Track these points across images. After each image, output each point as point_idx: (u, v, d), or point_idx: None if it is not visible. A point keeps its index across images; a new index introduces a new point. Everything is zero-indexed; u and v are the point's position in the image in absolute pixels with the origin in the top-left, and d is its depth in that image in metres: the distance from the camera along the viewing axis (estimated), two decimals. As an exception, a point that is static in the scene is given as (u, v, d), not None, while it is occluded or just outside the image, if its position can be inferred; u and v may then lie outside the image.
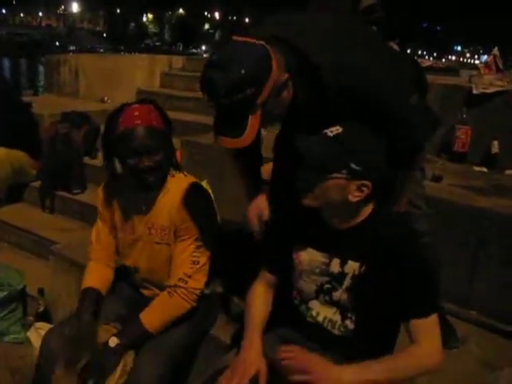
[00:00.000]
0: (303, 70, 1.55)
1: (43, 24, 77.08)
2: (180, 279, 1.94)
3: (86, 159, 4.40)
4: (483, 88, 3.51)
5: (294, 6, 2.16)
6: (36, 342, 2.69)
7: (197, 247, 1.96)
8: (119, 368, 1.84)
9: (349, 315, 1.64)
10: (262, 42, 1.51)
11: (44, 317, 2.91)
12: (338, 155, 1.48)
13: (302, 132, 1.55)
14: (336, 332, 1.67)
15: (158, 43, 74.10)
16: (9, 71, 32.37)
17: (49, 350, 1.98)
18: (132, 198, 2.05)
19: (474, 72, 3.84)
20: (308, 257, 1.69)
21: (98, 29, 78.45)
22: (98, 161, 4.44)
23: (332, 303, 1.66)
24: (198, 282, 1.96)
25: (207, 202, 2.08)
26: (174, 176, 2.03)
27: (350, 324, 1.65)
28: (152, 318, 1.93)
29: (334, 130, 1.50)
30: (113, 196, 2.12)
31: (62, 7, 76.07)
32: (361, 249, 1.59)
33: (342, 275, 1.62)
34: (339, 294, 1.64)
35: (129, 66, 6.31)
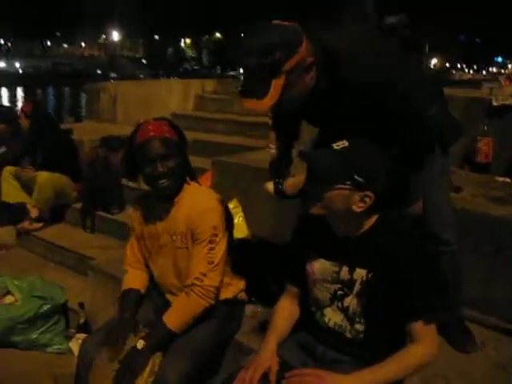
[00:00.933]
0: (327, 62, 1.71)
1: (85, 54, 79.63)
2: (196, 278, 2.11)
3: (124, 181, 4.63)
4: (503, 100, 3.58)
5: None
6: (77, 351, 2.87)
7: (211, 249, 2.13)
8: (148, 368, 1.99)
9: (357, 319, 1.76)
10: (298, 25, 1.68)
11: (84, 328, 3.09)
12: (343, 167, 1.62)
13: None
14: (348, 335, 1.79)
15: (196, 67, 75.31)
16: (53, 100, 33.64)
17: (86, 352, 2.16)
18: (154, 208, 2.25)
19: (495, 84, 3.91)
20: (320, 266, 1.82)
21: (137, 56, 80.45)
22: (135, 184, 4.68)
23: (342, 310, 1.79)
24: (213, 280, 2.13)
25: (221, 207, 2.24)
26: (189, 184, 2.24)
27: (360, 327, 1.76)
28: (173, 317, 2.09)
29: (341, 144, 1.64)
30: (141, 210, 2.31)
31: (103, 36, 78.35)
32: (367, 256, 1.70)
33: (352, 282, 1.74)
34: (350, 300, 1.76)
35: (163, 90, 6.59)
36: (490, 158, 3.63)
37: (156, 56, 72.84)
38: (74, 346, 3.01)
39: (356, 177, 1.60)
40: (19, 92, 37.10)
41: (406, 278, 1.64)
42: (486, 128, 3.62)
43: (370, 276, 1.70)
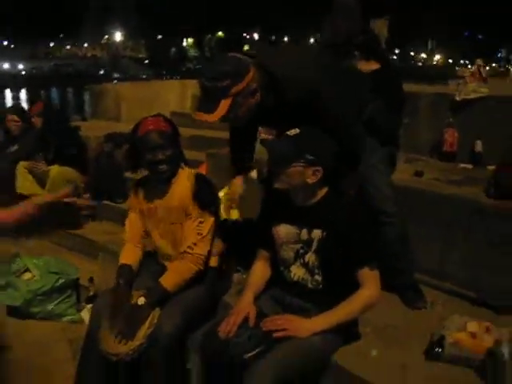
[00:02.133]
0: (271, 84, 2.15)
1: (88, 54, 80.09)
2: (188, 247, 2.55)
3: (128, 174, 5.07)
4: (465, 94, 3.99)
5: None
6: (87, 319, 3.30)
7: (200, 222, 2.58)
8: (148, 321, 2.42)
9: (316, 271, 2.19)
10: (248, 58, 2.13)
11: (94, 300, 3.51)
12: (297, 149, 2.06)
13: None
14: (310, 286, 2.23)
15: (198, 66, 75.28)
16: (57, 100, 34.13)
17: (96, 312, 2.60)
18: (153, 190, 2.69)
19: (461, 81, 4.33)
20: (284, 230, 2.26)
21: (140, 56, 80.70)
22: (138, 175, 5.12)
23: (304, 265, 2.22)
24: (202, 249, 2.57)
25: (207, 189, 2.67)
26: (183, 169, 2.68)
27: (319, 278, 2.20)
28: (169, 279, 2.53)
29: (293, 132, 2.09)
30: (140, 191, 2.75)
31: (106, 37, 78.76)
32: (321, 219, 2.15)
33: (310, 241, 2.18)
34: (309, 256, 2.20)
35: (163, 90, 7.02)
36: (454, 147, 4.04)
37: (159, 56, 73.08)
38: (85, 314, 3.43)
39: (307, 155, 2.03)
40: (23, 93, 37.57)
41: (350, 236, 2.08)
42: (451, 120, 4.03)
43: (324, 235, 2.14)
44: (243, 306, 2.21)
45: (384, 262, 2.78)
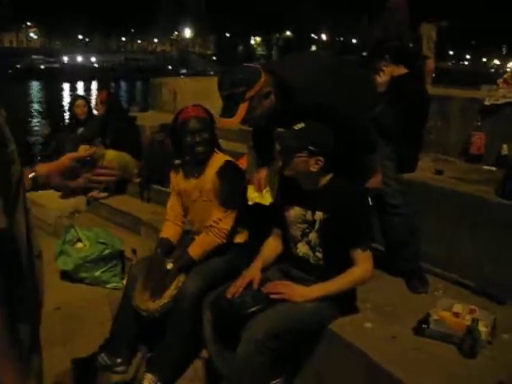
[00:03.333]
0: (283, 91, 2.46)
1: (158, 49, 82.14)
2: (214, 221, 2.91)
3: (177, 161, 5.48)
4: (494, 100, 4.16)
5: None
6: (129, 286, 3.72)
7: (225, 201, 2.92)
8: (174, 283, 2.81)
9: (317, 249, 2.50)
10: (259, 66, 2.45)
11: (135, 270, 3.93)
12: (301, 141, 2.38)
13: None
14: (312, 261, 2.54)
15: (264, 64, 75.14)
16: (126, 93, 35.42)
17: (132, 275, 3.01)
18: (190, 172, 3.05)
19: (494, 86, 4.49)
20: (293, 212, 2.58)
21: (208, 52, 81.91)
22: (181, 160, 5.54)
23: (307, 243, 2.53)
24: (226, 224, 2.92)
25: (235, 173, 3.03)
26: (217, 153, 3.06)
27: (319, 255, 2.51)
28: (195, 249, 2.90)
29: (299, 125, 2.42)
30: (179, 173, 3.13)
31: (176, 33, 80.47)
32: (324, 202, 2.46)
33: (314, 221, 2.49)
34: (312, 235, 2.51)
35: (216, 85, 7.38)
36: (481, 150, 4.21)
37: (226, 53, 73.98)
38: (127, 282, 3.85)
39: (310, 147, 2.35)
40: (94, 85, 39.15)
41: (347, 219, 2.37)
42: (479, 124, 4.21)
43: (325, 217, 2.44)
44: (250, 272, 2.57)
45: (392, 249, 3.08)
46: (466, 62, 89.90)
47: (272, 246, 2.74)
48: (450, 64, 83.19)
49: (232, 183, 2.98)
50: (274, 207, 2.86)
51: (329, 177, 2.48)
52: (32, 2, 52.89)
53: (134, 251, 3.97)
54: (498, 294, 3.00)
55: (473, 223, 3.21)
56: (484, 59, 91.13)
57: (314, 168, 2.40)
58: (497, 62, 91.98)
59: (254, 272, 2.57)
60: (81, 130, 5.80)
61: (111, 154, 5.11)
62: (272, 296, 2.40)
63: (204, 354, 2.86)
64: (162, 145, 5.45)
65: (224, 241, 2.94)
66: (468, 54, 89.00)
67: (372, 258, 2.42)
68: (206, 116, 3.00)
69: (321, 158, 2.38)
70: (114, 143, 5.32)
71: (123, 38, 79.77)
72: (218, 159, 3.04)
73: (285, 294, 2.39)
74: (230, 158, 3.14)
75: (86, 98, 6.18)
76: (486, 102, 4.19)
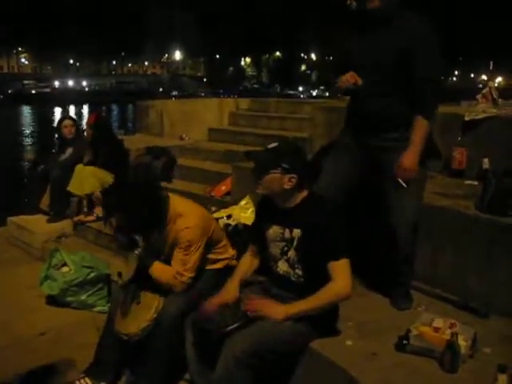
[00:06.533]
0: None
1: (149, 72, 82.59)
2: (176, 273, 2.89)
3: (164, 183, 5.51)
4: (474, 115, 4.21)
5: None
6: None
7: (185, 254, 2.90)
8: (154, 306, 2.83)
9: (296, 266, 2.52)
10: None
11: (121, 293, 3.92)
12: (274, 159, 2.42)
13: None
14: (292, 279, 2.55)
15: (256, 85, 75.65)
16: (117, 115, 35.59)
17: (115, 299, 3.06)
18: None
19: (473, 102, 4.55)
20: (272, 230, 2.61)
21: (198, 74, 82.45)
22: (173, 185, 5.57)
23: (287, 260, 2.55)
24: (187, 278, 2.88)
25: None
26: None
27: (299, 272, 2.52)
28: (156, 269, 2.95)
29: (272, 144, 2.46)
30: None
31: (166, 55, 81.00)
32: (300, 220, 2.48)
33: (292, 239, 2.51)
34: (291, 252, 2.53)
35: (202, 108, 7.47)
36: (463, 165, 4.25)
37: (217, 74, 74.41)
38: (113, 305, 3.84)
39: (283, 164, 2.38)
40: (85, 109, 39.30)
41: (323, 234, 2.39)
42: (459, 139, 4.25)
43: (302, 233, 2.46)
44: (227, 289, 2.63)
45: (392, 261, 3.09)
46: (455, 78, 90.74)
47: (248, 262, 2.79)
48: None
49: None
50: (254, 226, 2.88)
51: (304, 194, 2.51)
52: (23, 27, 53.18)
53: (120, 274, 3.95)
54: (481, 307, 3.01)
55: (454, 237, 3.24)
56: (472, 75, 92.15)
57: (287, 186, 2.43)
58: (484, 77, 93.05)
59: (231, 289, 2.62)
60: (69, 150, 5.81)
61: (89, 170, 5.24)
62: (249, 314, 2.40)
63: (187, 375, 2.85)
64: (147, 167, 5.49)
65: (185, 287, 2.90)
66: (456, 70, 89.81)
67: (349, 271, 2.42)
68: None
69: (294, 176, 2.41)
70: (105, 166, 5.34)
71: (114, 62, 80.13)
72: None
73: (262, 311, 2.40)
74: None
75: (73, 118, 6.22)
76: (466, 118, 4.23)
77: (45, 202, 5.73)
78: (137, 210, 2.80)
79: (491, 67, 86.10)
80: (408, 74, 2.82)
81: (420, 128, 2.88)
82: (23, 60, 75.33)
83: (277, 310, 2.40)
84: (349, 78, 2.90)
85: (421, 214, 3.14)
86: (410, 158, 2.89)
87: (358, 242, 2.70)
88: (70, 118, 6.23)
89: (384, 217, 3.08)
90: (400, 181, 2.92)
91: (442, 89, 3.06)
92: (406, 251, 3.12)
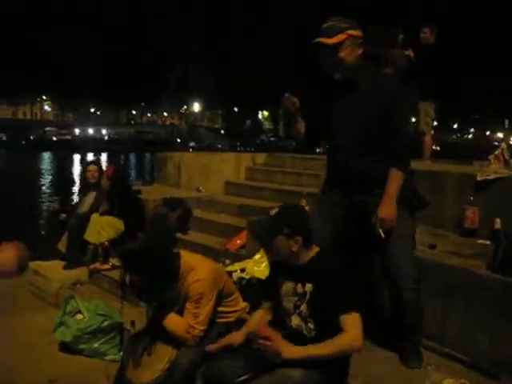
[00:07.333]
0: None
1: (167, 122, 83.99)
2: (188, 327, 2.96)
3: (179, 235, 5.61)
4: (486, 175, 4.28)
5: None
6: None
7: (196, 307, 2.99)
8: (167, 357, 2.87)
9: (308, 320, 2.56)
10: None
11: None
12: (276, 225, 2.55)
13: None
14: (305, 332, 2.60)
15: (272, 139, 76.00)
16: (134, 164, 36.13)
17: (128, 348, 3.07)
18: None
19: (486, 162, 4.63)
20: (285, 286, 2.68)
21: (216, 126, 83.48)
22: (188, 236, 5.66)
23: (299, 314, 2.60)
24: (199, 331, 2.95)
25: None
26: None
27: (311, 326, 2.57)
28: (170, 321, 3.02)
29: (274, 210, 2.59)
30: None
31: (185, 107, 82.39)
32: (312, 275, 2.56)
33: (304, 293, 2.58)
34: (303, 306, 2.59)
35: (220, 162, 7.63)
36: (475, 224, 4.30)
37: (234, 127, 75.19)
38: (125, 355, 3.87)
39: (285, 229, 2.52)
40: (103, 157, 39.96)
41: (334, 288, 2.47)
42: (472, 198, 4.31)
43: (314, 288, 2.53)
44: (235, 337, 2.77)
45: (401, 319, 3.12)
46: (471, 136, 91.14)
47: (260, 317, 2.86)
48: (454, 137, 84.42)
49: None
50: (268, 283, 2.95)
51: (315, 250, 2.62)
52: (47, 77, 54.84)
53: (133, 323, 4.00)
54: (492, 368, 3.01)
55: (464, 297, 3.26)
56: (487, 132, 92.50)
57: (294, 248, 2.56)
58: (500, 135, 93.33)
59: (237, 335, 2.75)
60: (92, 193, 6.11)
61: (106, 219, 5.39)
62: (259, 341, 2.44)
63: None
64: (163, 218, 5.59)
65: (197, 340, 2.95)
66: (472, 128, 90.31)
67: (360, 324, 2.45)
68: None
69: (298, 238, 2.54)
70: (120, 216, 5.48)
71: (133, 111, 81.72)
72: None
73: (271, 346, 2.43)
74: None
75: (99, 164, 6.58)
76: (479, 178, 4.31)
77: (63, 243, 5.91)
78: (149, 275, 2.93)
79: (506, 125, 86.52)
80: (381, 131, 2.98)
81: (394, 179, 3.00)
82: (46, 107, 77.19)
83: (285, 348, 2.44)
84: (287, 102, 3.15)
85: (425, 270, 3.19)
86: (385, 209, 3.01)
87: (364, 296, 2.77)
88: (96, 163, 6.51)
89: (383, 266, 3.19)
90: (380, 231, 3.01)
91: (413, 140, 3.21)
92: (415, 318, 3.17)
